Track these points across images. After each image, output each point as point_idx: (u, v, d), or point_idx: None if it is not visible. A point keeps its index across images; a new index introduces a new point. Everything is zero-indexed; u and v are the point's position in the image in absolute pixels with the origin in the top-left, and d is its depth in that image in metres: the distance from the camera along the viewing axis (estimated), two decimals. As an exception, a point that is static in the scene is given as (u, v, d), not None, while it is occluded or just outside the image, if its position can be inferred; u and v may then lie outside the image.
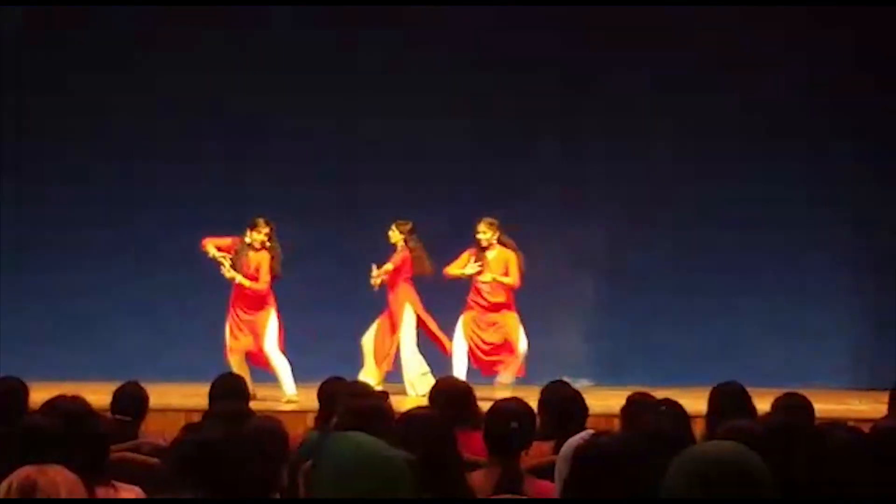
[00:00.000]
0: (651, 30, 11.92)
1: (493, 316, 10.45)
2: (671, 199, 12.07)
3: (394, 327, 10.57)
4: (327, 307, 11.27)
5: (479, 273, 10.39)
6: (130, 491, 4.23)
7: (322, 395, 6.01)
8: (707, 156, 12.09)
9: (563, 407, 5.45)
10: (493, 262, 10.39)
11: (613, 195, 12.08)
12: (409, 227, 10.59)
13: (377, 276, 10.45)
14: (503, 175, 12.03)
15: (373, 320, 10.72)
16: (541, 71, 12.13)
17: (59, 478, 3.23)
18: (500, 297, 10.42)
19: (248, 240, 10.21)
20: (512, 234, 10.59)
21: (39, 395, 5.37)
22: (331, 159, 12.13)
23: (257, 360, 10.29)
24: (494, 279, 10.34)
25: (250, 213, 10.36)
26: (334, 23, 12.08)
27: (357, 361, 10.52)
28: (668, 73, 12.00)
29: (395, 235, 10.61)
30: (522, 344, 10.37)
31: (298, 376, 9.97)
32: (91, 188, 12.08)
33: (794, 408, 5.21)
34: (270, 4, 12.04)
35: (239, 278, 10.17)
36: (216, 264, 10.21)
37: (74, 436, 3.88)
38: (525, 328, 10.71)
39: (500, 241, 10.42)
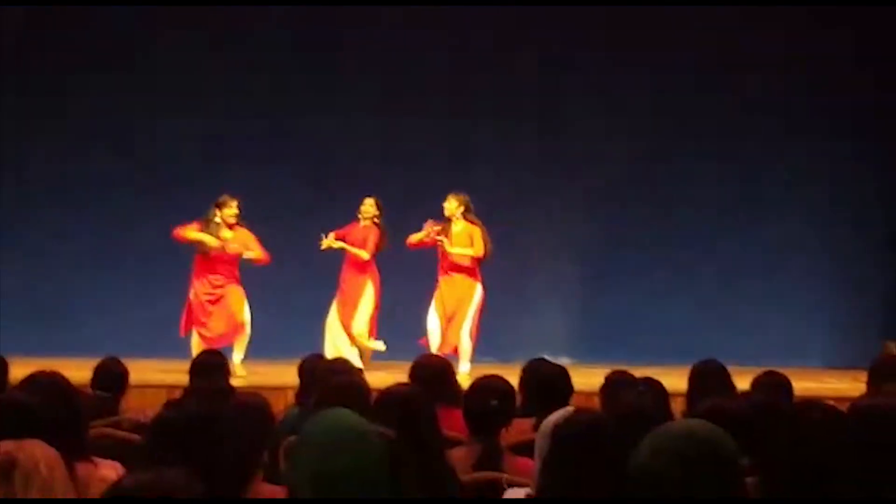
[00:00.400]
0: (651, 30, 11.92)
1: (457, 278, 10.34)
2: (648, 177, 12.09)
3: (353, 302, 10.53)
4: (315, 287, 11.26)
5: (440, 243, 10.24)
6: (110, 467, 4.21)
7: (303, 371, 6.02)
8: (687, 136, 12.13)
9: (544, 384, 5.46)
10: (457, 236, 10.29)
11: (600, 178, 12.10)
12: (381, 205, 10.54)
13: (334, 246, 10.40)
14: (489, 151, 12.04)
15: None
16: (538, 70, 12.12)
17: (39, 452, 3.21)
18: (466, 262, 10.33)
19: (217, 219, 10.13)
20: (497, 213, 10.59)
21: (18, 370, 5.35)
22: (330, 159, 12.10)
23: (230, 337, 10.28)
24: (452, 250, 10.24)
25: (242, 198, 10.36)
26: (334, 23, 12.05)
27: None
28: (668, 73, 11.99)
29: (372, 210, 10.51)
30: (468, 324, 10.28)
31: (284, 354, 9.89)
32: (74, 168, 12.04)
33: (773, 386, 5.23)
34: (275, 4, 11.94)
35: (249, 253, 10.14)
36: (202, 245, 10.12)
37: (54, 411, 3.87)
38: (505, 307, 10.69)
39: (464, 217, 10.34)
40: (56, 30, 12.07)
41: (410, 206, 10.77)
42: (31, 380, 4.44)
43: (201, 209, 10.24)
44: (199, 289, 10.21)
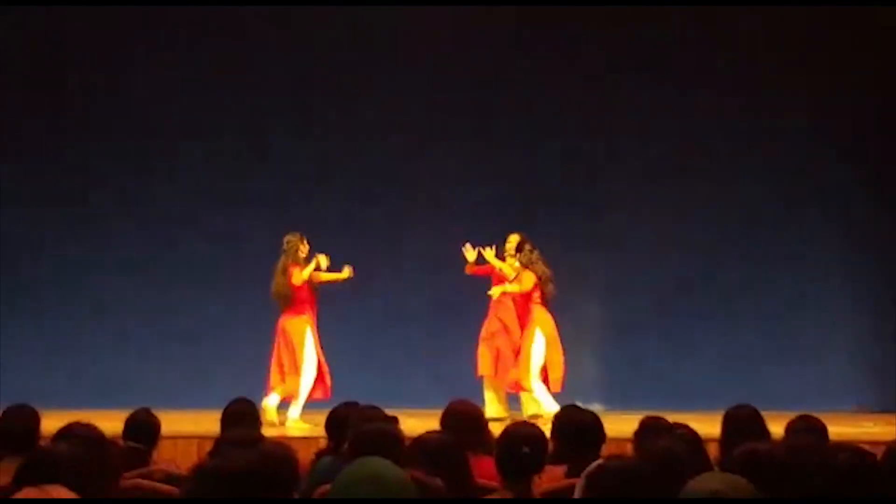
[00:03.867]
0: (649, 30, 11.91)
1: None
2: (680, 221, 12.05)
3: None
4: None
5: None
6: (142, 517, 4.23)
7: (334, 419, 6.00)
8: (716, 177, 12.09)
9: (577, 431, 5.43)
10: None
11: (618, 217, 12.08)
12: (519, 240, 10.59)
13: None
14: (511, 198, 12.03)
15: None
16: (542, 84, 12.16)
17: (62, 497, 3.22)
18: None
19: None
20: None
21: (50, 423, 5.36)
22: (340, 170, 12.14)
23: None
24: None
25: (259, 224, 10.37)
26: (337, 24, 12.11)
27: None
28: (668, 78, 11.97)
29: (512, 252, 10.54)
30: None
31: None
32: (94, 211, 12.07)
33: (808, 430, 5.17)
34: (293, 5, 12.00)
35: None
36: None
37: (90, 462, 3.87)
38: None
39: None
40: (56, 30, 12.05)
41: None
42: (68, 430, 4.47)
43: (229, 258, 10.27)
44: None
